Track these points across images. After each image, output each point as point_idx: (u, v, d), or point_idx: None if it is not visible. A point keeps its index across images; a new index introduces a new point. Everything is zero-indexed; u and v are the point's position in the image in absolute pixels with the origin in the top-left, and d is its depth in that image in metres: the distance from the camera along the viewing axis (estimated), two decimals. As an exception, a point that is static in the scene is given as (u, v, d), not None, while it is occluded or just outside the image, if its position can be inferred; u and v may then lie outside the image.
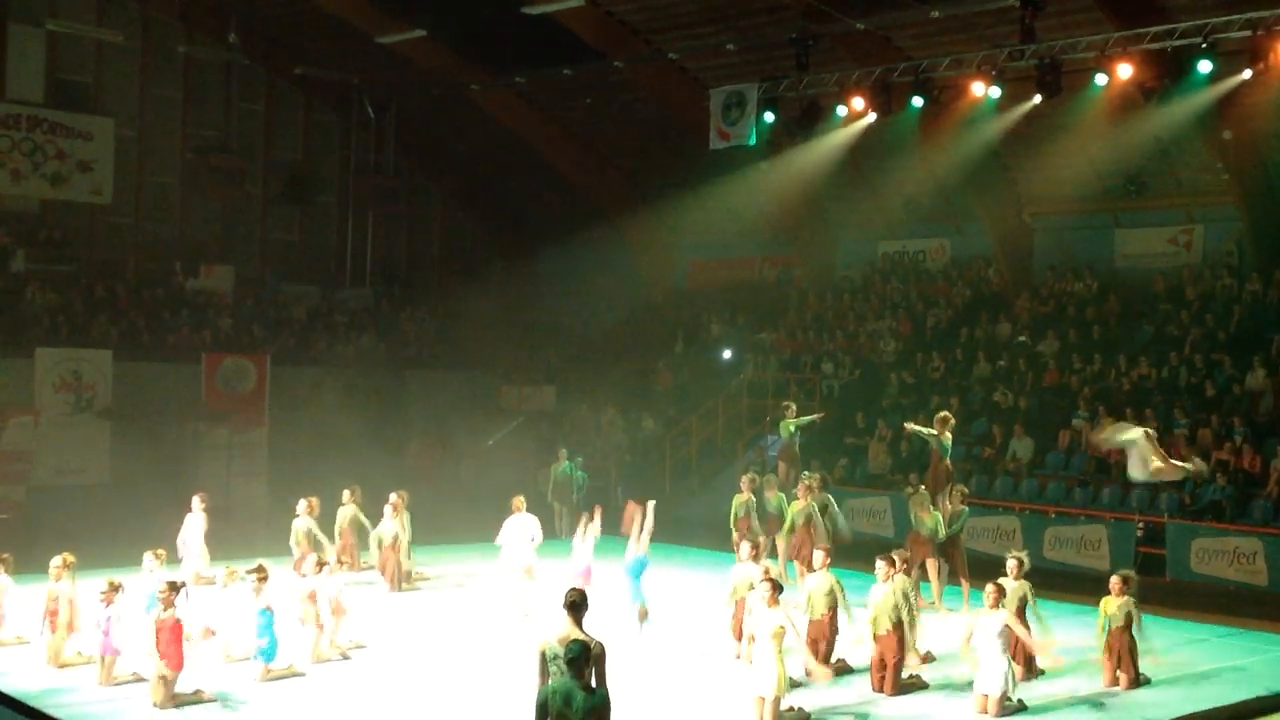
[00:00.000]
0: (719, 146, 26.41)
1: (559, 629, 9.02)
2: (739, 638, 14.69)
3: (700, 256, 36.04)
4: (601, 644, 8.62)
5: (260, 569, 14.08)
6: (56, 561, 14.54)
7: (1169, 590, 19.36)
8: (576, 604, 9.07)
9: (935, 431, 19.06)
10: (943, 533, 18.07)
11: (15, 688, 13.11)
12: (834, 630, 14.47)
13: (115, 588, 13.70)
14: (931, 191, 30.70)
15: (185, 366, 28.16)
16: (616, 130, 33.15)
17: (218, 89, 34.09)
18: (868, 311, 31.51)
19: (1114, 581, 14.46)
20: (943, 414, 19.61)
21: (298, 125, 35.87)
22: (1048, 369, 26.49)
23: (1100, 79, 22.40)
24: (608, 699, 8.32)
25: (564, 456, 26.19)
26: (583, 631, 8.88)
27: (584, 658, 8.27)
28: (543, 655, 8.93)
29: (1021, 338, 28.04)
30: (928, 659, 14.91)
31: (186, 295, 31.79)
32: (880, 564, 14.14)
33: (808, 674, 13.67)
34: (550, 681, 8.69)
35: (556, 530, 24.10)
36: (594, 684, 8.40)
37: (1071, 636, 15.97)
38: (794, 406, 23.01)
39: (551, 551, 19.25)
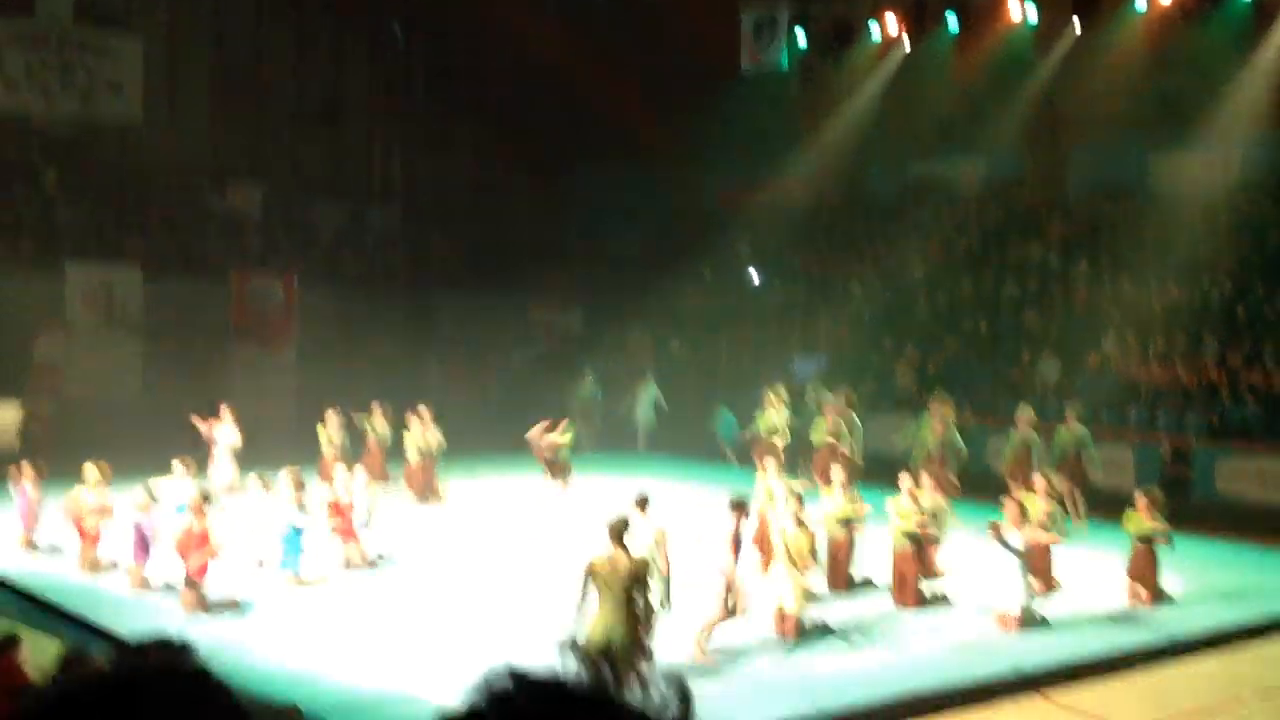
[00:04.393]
0: (750, 69, 26.23)
1: (605, 550, 9.82)
2: (760, 551, 14.79)
3: (729, 178, 35.81)
4: (645, 561, 9.88)
5: (294, 472, 14.24)
6: (92, 470, 14.74)
7: (1195, 510, 19.29)
8: (620, 530, 9.85)
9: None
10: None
11: (48, 592, 13.34)
12: (852, 546, 14.55)
13: (151, 497, 13.89)
14: (965, 113, 30.37)
15: (214, 285, 28.27)
16: (646, 52, 32.84)
17: (248, 8, 33.93)
18: (897, 234, 31.29)
19: (1140, 500, 14.46)
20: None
21: (327, 45, 35.69)
22: (1078, 292, 26.30)
23: (1140, 1, 22.05)
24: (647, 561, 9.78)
25: (589, 379, 26.11)
26: (627, 553, 9.82)
27: (625, 527, 9.87)
28: (589, 574, 9.70)
29: (1052, 260, 27.82)
30: (938, 574, 14.95)
31: (215, 214, 31.84)
32: (906, 479, 14.16)
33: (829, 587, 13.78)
34: (594, 604, 9.70)
35: (584, 450, 24.09)
36: (639, 599, 9.68)
37: (1095, 555, 15.99)
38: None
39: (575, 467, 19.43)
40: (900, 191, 33.01)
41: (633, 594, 9.71)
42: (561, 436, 18.81)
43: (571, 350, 32.02)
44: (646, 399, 25.82)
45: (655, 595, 10.96)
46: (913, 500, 14.15)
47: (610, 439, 25.62)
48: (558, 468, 18.68)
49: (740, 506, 12.11)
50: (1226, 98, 26.89)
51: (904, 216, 31.81)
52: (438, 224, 35.51)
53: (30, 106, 30.53)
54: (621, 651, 9.37)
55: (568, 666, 1.35)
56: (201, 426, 18.56)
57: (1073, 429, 18.67)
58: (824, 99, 31.47)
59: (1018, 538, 13.13)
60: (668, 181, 35.75)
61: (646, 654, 9.87)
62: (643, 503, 12.14)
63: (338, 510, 14.90)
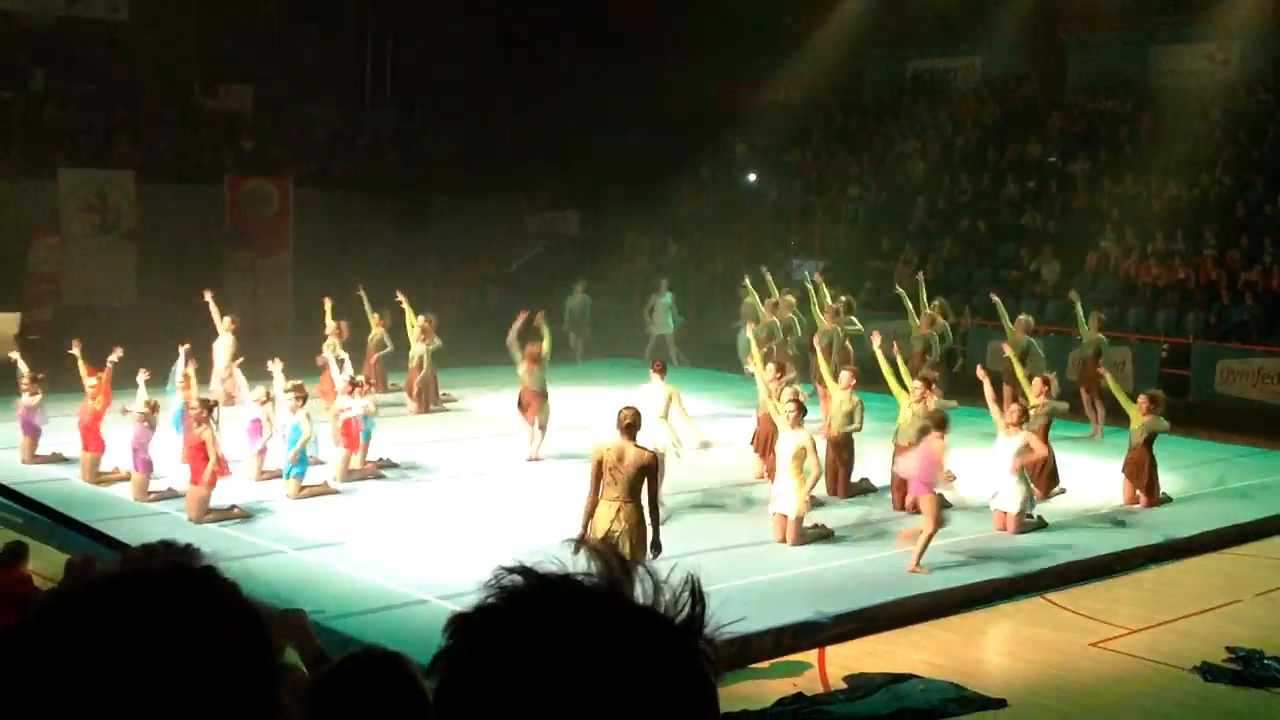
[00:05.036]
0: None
1: (613, 440, 10.04)
2: (761, 456, 14.87)
3: (726, 77, 35.43)
4: (655, 454, 10.20)
5: (299, 387, 14.24)
6: (91, 380, 14.73)
7: (1192, 411, 19.38)
8: (631, 425, 10.04)
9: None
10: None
11: (52, 502, 13.39)
12: (851, 449, 14.60)
13: (152, 406, 13.90)
14: (963, 8, 29.98)
15: (208, 188, 28.02)
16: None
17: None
18: (895, 133, 31.03)
19: (1141, 400, 14.51)
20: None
21: (315, -59, 34.98)
22: (1077, 190, 26.17)
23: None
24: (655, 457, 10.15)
25: (580, 291, 25.84)
26: (636, 445, 10.02)
27: (635, 419, 10.16)
28: (599, 463, 9.92)
29: (1051, 159, 27.65)
30: (948, 478, 15.03)
31: (206, 115, 31.46)
32: (916, 384, 14.17)
33: (830, 493, 13.88)
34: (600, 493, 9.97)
35: (576, 360, 24.16)
36: (645, 493, 9.80)
37: (1094, 457, 16.08)
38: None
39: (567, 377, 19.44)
40: (898, 89, 32.69)
41: (639, 484, 9.80)
42: (542, 343, 16.98)
43: (569, 252, 31.91)
44: (662, 309, 25.34)
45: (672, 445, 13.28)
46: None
47: (613, 348, 25.54)
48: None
49: (942, 425, 12.55)
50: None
51: (901, 115, 31.54)
52: (433, 125, 35.14)
53: (15, 4, 29.98)
54: (625, 541, 9.59)
55: (578, 563, 1.35)
56: (215, 314, 18.59)
57: (1094, 336, 18.60)
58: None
59: (1013, 442, 13.17)
60: (664, 80, 35.35)
61: (654, 546, 9.96)
62: (660, 367, 14.30)
63: (338, 421, 14.92)
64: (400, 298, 20.30)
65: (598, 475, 9.92)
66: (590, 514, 10.00)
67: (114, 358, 15.08)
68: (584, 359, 24.66)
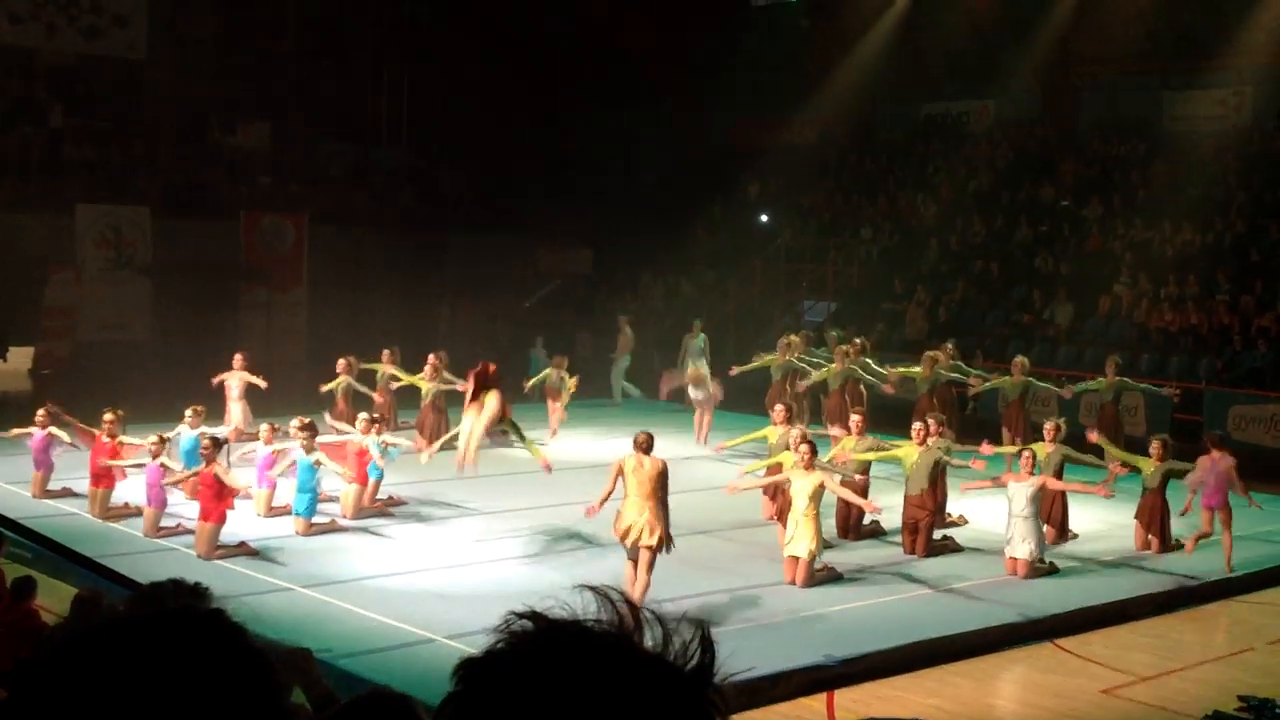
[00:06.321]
0: (761, 3, 25.95)
1: (632, 452, 11.40)
2: (771, 498, 14.83)
3: (740, 117, 35.57)
4: (665, 462, 11.45)
5: (310, 424, 14.24)
6: (106, 416, 14.74)
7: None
8: (645, 444, 11.39)
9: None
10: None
11: (62, 537, 13.40)
12: (865, 493, 14.56)
13: (162, 441, 13.92)
14: (976, 50, 30.12)
15: (224, 224, 28.16)
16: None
17: (252, -58, 33.49)
18: (908, 175, 31.11)
19: (1154, 446, 14.46)
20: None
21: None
22: (1090, 234, 26.18)
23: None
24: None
25: (562, 365, 21.21)
26: (651, 456, 11.32)
27: (649, 439, 11.44)
28: (619, 469, 11.33)
29: (1064, 202, 27.69)
30: (960, 521, 15.00)
31: (223, 152, 31.67)
32: (916, 426, 14.16)
33: (839, 535, 13.83)
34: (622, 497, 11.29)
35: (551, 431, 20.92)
36: (663, 495, 11.19)
37: (1104, 501, 15.98)
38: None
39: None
40: (911, 132, 32.78)
41: (657, 485, 11.15)
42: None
43: (581, 290, 31.97)
44: (695, 352, 23.43)
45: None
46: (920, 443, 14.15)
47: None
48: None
49: (1222, 442, 14.09)
50: (1239, 34, 26.65)
51: (914, 157, 31.62)
52: (447, 163, 35.32)
53: (35, 41, 30.27)
54: (651, 531, 10.99)
55: (588, 609, 1.35)
56: (216, 381, 18.54)
57: (1111, 380, 18.60)
58: (835, 35, 31.21)
59: (1027, 487, 13.13)
60: (678, 119, 35.51)
61: (667, 540, 11.14)
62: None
63: (352, 455, 14.92)
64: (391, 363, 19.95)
65: (617, 474, 11.36)
66: (606, 499, 11.55)
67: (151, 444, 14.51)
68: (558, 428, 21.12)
